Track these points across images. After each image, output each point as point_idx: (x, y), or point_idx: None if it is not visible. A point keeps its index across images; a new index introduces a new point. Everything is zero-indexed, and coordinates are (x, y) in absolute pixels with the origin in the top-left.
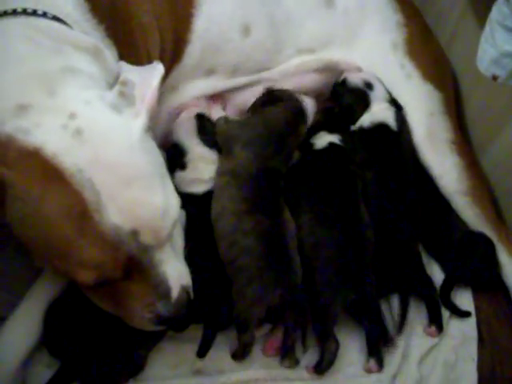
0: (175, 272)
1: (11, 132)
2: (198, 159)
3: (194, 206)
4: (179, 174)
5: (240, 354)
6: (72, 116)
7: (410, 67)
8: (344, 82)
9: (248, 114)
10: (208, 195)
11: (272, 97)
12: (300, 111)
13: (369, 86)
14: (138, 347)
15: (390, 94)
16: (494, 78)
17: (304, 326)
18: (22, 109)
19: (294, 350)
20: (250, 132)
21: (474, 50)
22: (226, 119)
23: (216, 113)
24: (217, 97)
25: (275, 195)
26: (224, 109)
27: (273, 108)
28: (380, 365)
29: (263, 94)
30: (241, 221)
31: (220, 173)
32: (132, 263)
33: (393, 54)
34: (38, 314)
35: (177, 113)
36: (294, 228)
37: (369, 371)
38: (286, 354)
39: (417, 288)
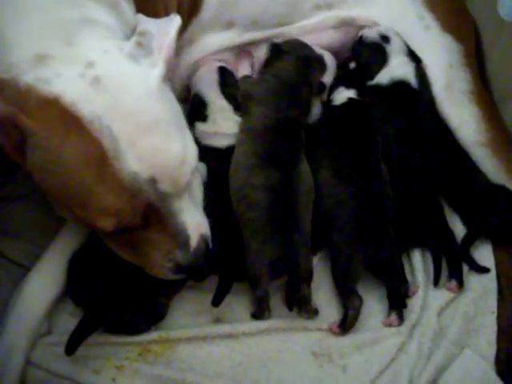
0: (194, 221)
1: (31, 81)
2: (218, 111)
3: (216, 159)
4: (200, 127)
5: (258, 312)
6: (90, 65)
7: (429, 18)
8: (360, 38)
9: (259, 73)
10: (231, 150)
11: (277, 50)
12: (308, 59)
13: (385, 39)
14: (159, 296)
15: (408, 46)
16: None
17: (299, 284)
18: (41, 59)
19: (310, 301)
20: (264, 89)
21: None
22: (245, 78)
23: (243, 69)
24: (244, 53)
25: (293, 146)
26: (252, 65)
27: (281, 62)
28: (400, 319)
29: (269, 50)
30: (251, 175)
31: (239, 131)
32: (151, 211)
33: (411, 5)
34: (61, 263)
35: (196, 67)
36: (312, 181)
37: (389, 325)
38: (303, 305)
39: (439, 241)
